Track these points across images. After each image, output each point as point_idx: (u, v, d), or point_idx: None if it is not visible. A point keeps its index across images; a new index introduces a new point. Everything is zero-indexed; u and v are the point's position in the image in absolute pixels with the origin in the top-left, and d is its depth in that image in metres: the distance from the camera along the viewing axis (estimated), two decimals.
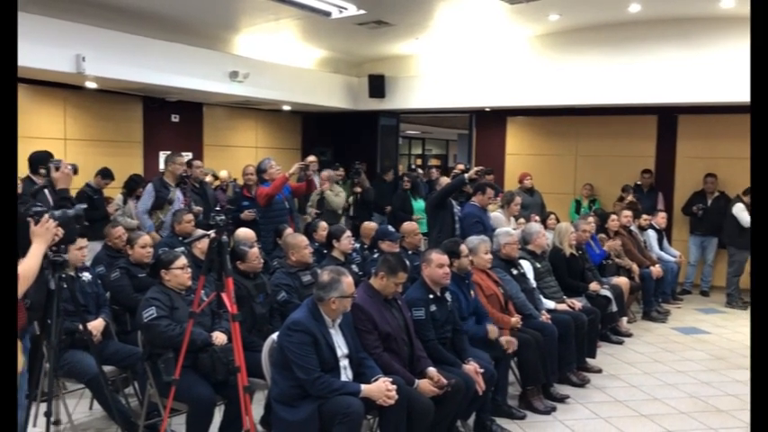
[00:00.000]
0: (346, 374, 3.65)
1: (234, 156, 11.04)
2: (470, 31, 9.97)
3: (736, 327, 7.90)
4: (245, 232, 5.61)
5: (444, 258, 4.51)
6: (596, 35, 9.78)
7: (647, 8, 8.68)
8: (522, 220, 8.10)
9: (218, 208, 3.78)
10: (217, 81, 9.18)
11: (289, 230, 6.08)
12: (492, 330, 4.81)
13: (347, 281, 3.65)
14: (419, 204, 9.39)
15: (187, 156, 9.98)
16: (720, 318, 8.37)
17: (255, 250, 4.76)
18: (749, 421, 4.94)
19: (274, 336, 3.75)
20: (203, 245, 4.96)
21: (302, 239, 5.15)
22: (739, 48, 8.78)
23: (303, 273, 4.99)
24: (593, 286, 6.58)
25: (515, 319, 5.11)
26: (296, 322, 3.55)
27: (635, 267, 7.92)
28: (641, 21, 9.30)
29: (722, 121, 9.72)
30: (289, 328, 3.54)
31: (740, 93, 8.59)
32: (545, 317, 5.49)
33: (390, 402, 3.50)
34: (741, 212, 8.83)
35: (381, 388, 3.53)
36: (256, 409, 4.34)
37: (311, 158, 9.64)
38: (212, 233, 3.68)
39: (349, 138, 12.40)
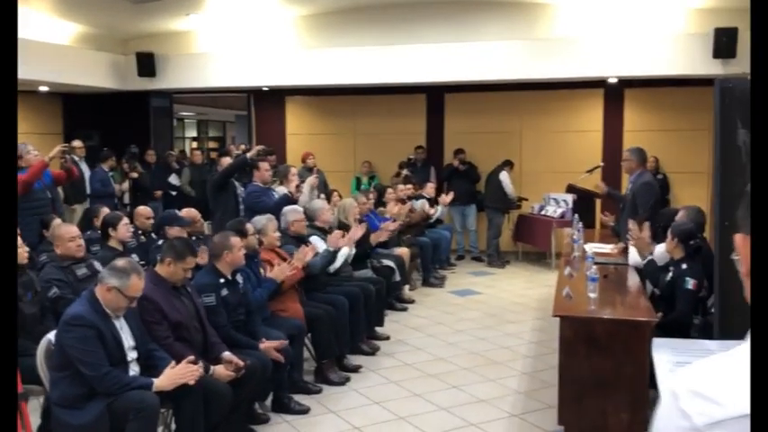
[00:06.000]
0: (133, 368, 3.44)
1: None
2: (244, 9, 9.75)
3: (504, 286, 8.69)
4: None
5: (242, 241, 4.47)
6: (367, 16, 10.03)
7: None
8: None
9: None
10: None
11: (57, 221, 5.55)
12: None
13: (134, 282, 3.38)
14: None
15: None
16: (490, 279, 9.15)
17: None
18: (521, 369, 5.49)
19: (50, 336, 3.42)
20: None
21: (67, 231, 4.64)
22: (497, 30, 9.53)
23: (78, 266, 4.58)
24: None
25: None
26: (76, 317, 3.26)
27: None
28: (408, 3, 9.72)
29: (482, 98, 10.54)
30: (68, 323, 3.24)
31: (498, 71, 9.38)
32: None
33: (193, 378, 3.35)
34: (507, 180, 9.71)
35: (176, 372, 3.35)
36: (32, 417, 3.94)
37: (76, 143, 8.90)
38: None
39: (118, 120, 11.54)
